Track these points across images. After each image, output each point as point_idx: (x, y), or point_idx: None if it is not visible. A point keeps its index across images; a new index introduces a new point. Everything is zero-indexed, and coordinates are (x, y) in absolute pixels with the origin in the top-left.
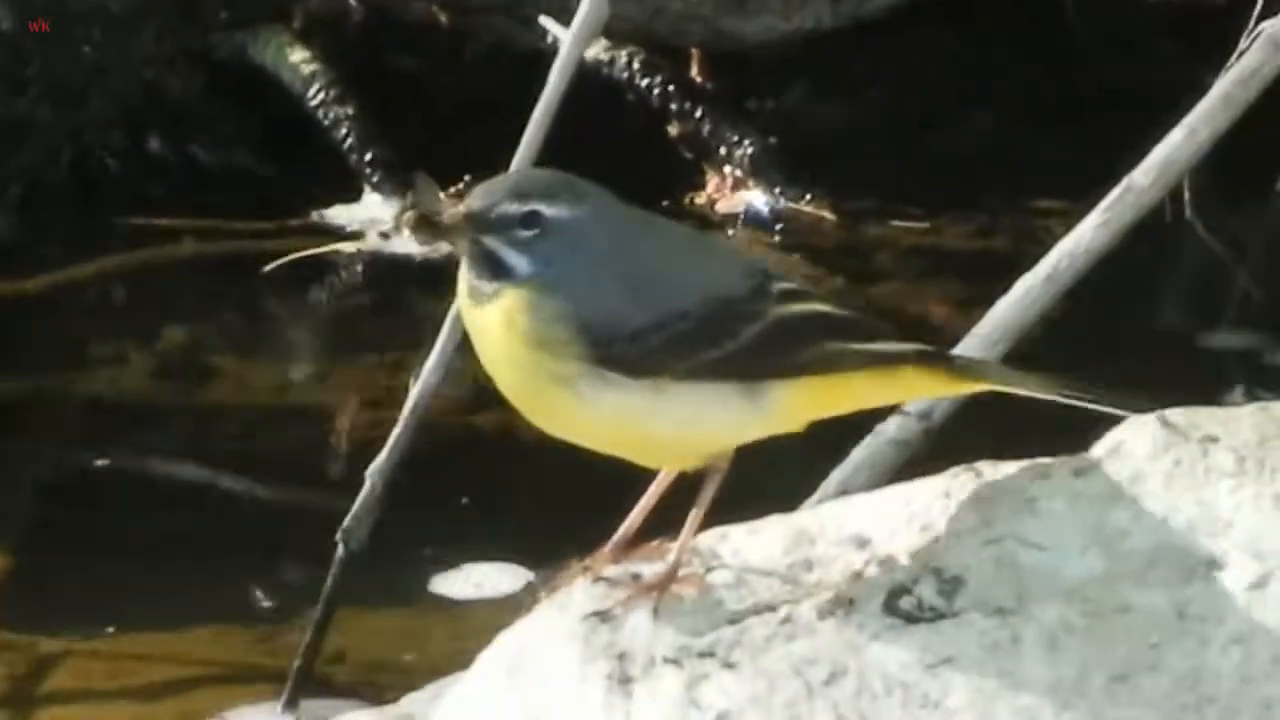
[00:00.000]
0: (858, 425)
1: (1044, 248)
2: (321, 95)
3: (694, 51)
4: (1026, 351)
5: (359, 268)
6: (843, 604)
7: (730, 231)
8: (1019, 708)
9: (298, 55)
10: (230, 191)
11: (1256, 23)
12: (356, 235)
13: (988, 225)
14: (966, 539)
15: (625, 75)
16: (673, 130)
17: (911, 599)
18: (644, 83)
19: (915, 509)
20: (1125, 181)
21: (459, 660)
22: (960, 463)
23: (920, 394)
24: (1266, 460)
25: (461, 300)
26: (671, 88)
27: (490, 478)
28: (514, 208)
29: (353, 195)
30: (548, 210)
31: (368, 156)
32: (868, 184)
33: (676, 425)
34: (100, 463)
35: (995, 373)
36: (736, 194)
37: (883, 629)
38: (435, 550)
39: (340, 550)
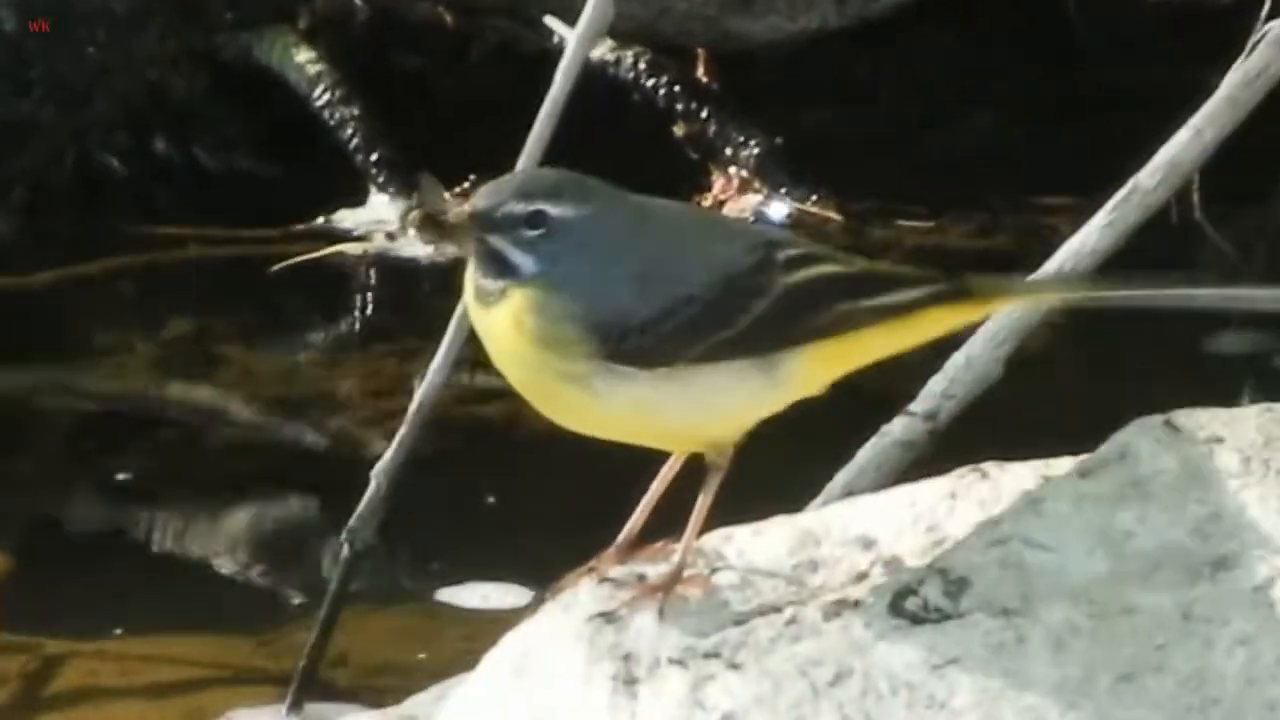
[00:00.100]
0: (863, 426)
1: (1048, 247)
2: (327, 95)
3: (700, 52)
4: (1029, 351)
5: (365, 268)
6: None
7: None
8: (1024, 708)
9: (303, 55)
10: (235, 192)
11: (1264, 23)
12: (362, 237)
13: (991, 225)
14: (972, 540)
15: (631, 75)
16: (678, 131)
17: (917, 600)
18: (649, 83)
19: (921, 510)
20: (1131, 182)
21: (464, 662)
22: (966, 464)
23: (944, 329)
24: (1272, 461)
25: (469, 300)
26: (677, 88)
27: (496, 478)
28: (519, 207)
29: (358, 195)
30: (553, 210)
31: (373, 156)
32: (873, 184)
33: (695, 409)
34: (102, 464)
35: (1020, 286)
36: (743, 195)
37: (888, 630)
38: (440, 553)
39: (346, 550)
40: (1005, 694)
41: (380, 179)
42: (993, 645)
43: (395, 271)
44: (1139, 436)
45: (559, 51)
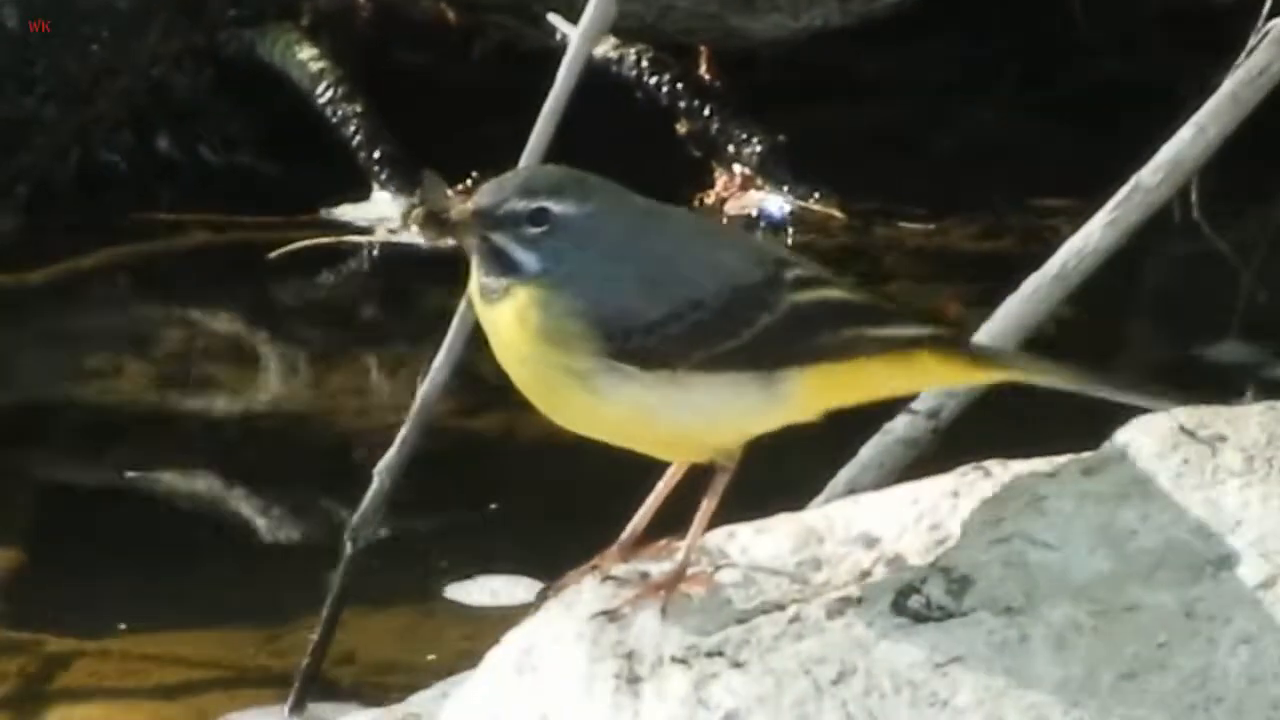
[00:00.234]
0: (866, 424)
1: (1050, 247)
2: (329, 93)
3: (702, 50)
4: (1031, 350)
5: (367, 264)
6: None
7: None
8: (1027, 706)
9: (306, 53)
10: (238, 189)
11: (1265, 21)
12: (365, 232)
13: (994, 225)
14: (975, 538)
15: (634, 73)
16: (681, 128)
17: (920, 598)
18: (652, 81)
19: (924, 508)
20: (1133, 180)
21: (467, 661)
22: (969, 462)
23: (939, 382)
24: (1275, 460)
25: (473, 298)
26: (680, 86)
27: (498, 476)
28: (522, 204)
29: (361, 192)
30: (555, 207)
31: (376, 154)
32: (874, 182)
33: (694, 416)
34: (106, 462)
35: (1015, 361)
36: (745, 192)
37: (891, 628)
38: (444, 552)
39: (348, 548)
40: (1008, 692)
41: (383, 176)
42: (995, 643)
43: (397, 268)
44: (1142, 435)
45: (561, 49)
